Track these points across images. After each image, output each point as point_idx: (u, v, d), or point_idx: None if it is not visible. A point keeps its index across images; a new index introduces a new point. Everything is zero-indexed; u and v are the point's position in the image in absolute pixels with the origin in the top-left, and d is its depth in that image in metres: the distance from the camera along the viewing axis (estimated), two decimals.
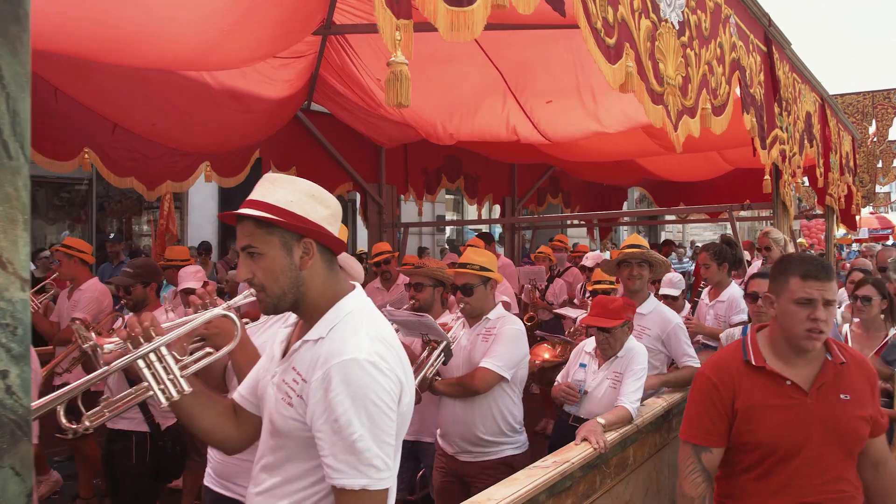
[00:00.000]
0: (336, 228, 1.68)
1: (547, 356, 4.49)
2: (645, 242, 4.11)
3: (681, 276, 5.29)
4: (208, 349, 1.70)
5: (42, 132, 4.69)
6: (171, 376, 1.61)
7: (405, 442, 3.69)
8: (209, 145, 5.53)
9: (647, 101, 2.75)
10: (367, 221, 7.48)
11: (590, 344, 3.57)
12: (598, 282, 5.09)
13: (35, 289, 4.81)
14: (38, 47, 3.66)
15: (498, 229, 12.65)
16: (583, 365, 3.51)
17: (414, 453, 3.68)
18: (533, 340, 5.39)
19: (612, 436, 2.91)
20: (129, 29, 3.18)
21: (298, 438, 1.55)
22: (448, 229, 16.95)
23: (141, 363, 1.61)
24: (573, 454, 2.65)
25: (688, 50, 3.19)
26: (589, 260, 6.71)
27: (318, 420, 1.50)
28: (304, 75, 5.10)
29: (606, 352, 3.43)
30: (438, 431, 3.44)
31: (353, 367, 1.50)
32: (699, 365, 3.68)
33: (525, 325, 5.31)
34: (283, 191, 1.63)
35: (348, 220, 14.14)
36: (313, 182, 1.69)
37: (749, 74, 4.08)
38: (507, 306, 5.57)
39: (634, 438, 3.15)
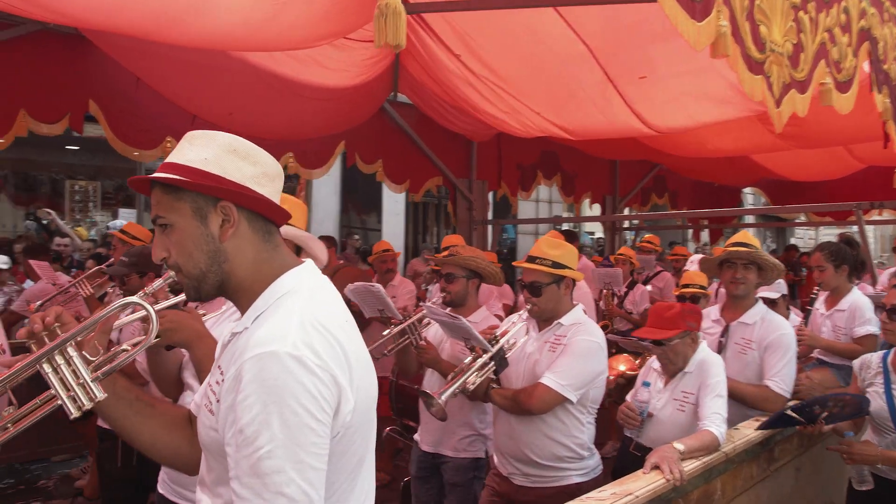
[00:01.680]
0: (271, 190, 1.38)
1: (624, 368, 4.01)
2: (755, 241, 3.54)
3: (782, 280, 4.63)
4: (125, 346, 1.41)
5: (125, 120, 4.71)
6: (82, 381, 1.33)
7: (425, 454, 3.48)
8: (290, 135, 5.43)
9: (743, 68, 2.31)
10: (457, 218, 7.20)
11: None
12: (688, 285, 4.56)
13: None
14: (90, 25, 3.63)
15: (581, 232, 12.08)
16: (646, 384, 3.05)
17: (436, 468, 3.32)
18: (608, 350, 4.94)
19: (692, 465, 2.47)
20: (177, 2, 3.04)
21: (221, 455, 1.24)
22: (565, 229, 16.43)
23: (46, 366, 1.34)
24: (638, 485, 2.24)
25: (801, 13, 2.69)
26: (695, 264, 6.10)
27: (227, 432, 1.20)
28: (381, 62, 4.88)
29: (668, 368, 2.98)
30: (493, 447, 3.08)
31: (270, 361, 1.19)
32: (783, 392, 3.14)
33: (627, 339, 4.85)
34: (198, 148, 1.34)
35: (439, 217, 13.94)
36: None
37: (882, 48, 3.48)
38: None
39: (723, 469, 2.69)
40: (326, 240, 7.51)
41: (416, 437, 3.45)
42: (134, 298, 1.43)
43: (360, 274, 5.60)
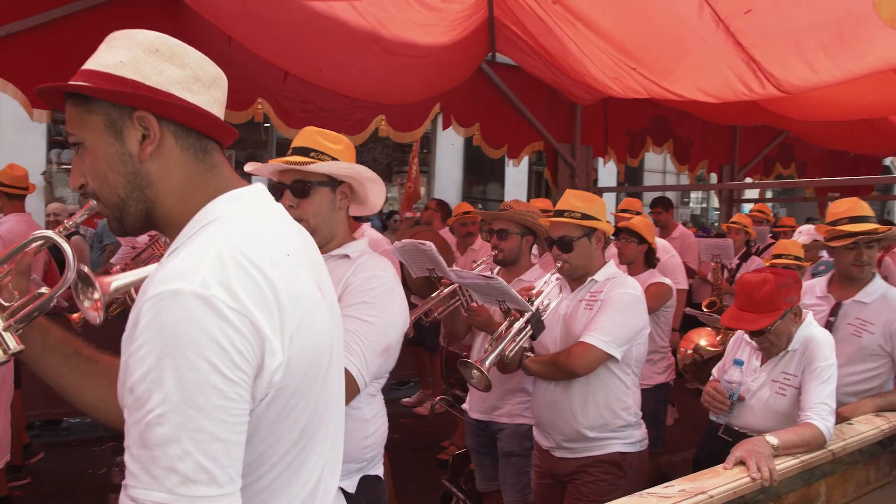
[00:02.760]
0: (207, 99, 1.13)
1: (705, 343, 3.58)
2: (869, 209, 3.06)
3: None
4: (43, 289, 1.23)
5: None
6: None
7: (478, 423, 3.23)
8: (382, 96, 5.31)
9: None
10: (558, 185, 6.88)
11: None
12: (780, 255, 4.03)
13: None
14: None
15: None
16: (738, 362, 2.67)
17: (492, 437, 3.08)
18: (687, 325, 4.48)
19: (786, 462, 2.13)
20: None
21: None
22: (693, 203, 15.44)
23: None
24: (716, 482, 1.93)
25: None
26: (803, 235, 5.46)
27: (121, 392, 0.97)
28: (473, 16, 4.63)
29: (770, 351, 2.60)
30: (533, 419, 2.83)
31: (170, 303, 0.94)
32: None
33: (704, 313, 4.43)
34: (114, 50, 1.10)
35: (541, 185, 13.52)
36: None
37: None
38: (682, 295, 4.64)
39: (829, 471, 2.32)
40: (442, 206, 7.41)
41: (464, 406, 3.25)
42: (46, 232, 1.22)
43: (435, 237, 5.41)
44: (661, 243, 4.94)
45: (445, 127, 6.12)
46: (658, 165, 16.53)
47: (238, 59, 4.65)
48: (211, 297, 0.94)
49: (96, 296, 1.36)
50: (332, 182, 2.03)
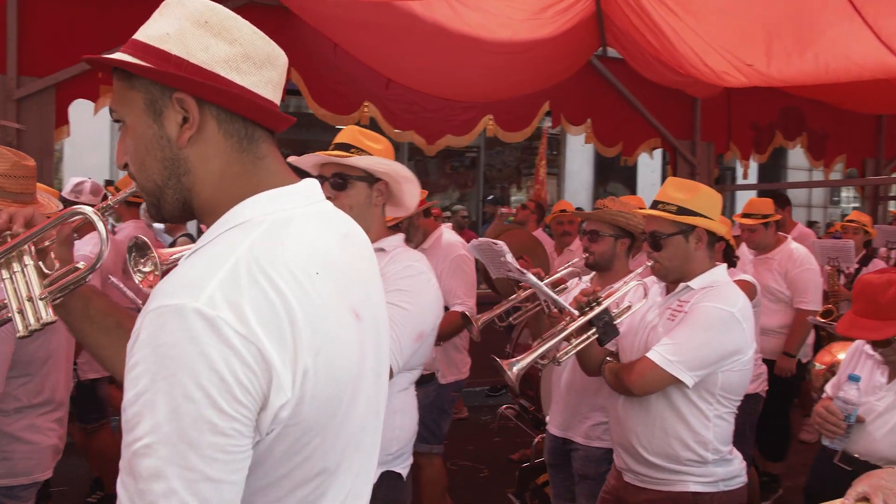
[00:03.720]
0: (258, 80, 1.03)
1: (843, 358, 3.22)
2: None
3: None
4: (79, 264, 1.20)
5: (325, 87, 4.85)
6: (32, 296, 1.15)
7: (555, 439, 3.04)
8: (487, 95, 5.25)
9: None
10: None
11: None
12: None
13: None
14: None
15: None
16: (854, 378, 2.33)
17: (567, 455, 2.89)
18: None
19: None
20: None
21: None
22: (843, 203, 14.30)
23: (3, 272, 1.17)
24: None
25: None
26: None
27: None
28: (575, 6, 4.48)
29: None
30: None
31: (172, 320, 0.85)
32: None
33: (819, 321, 4.01)
34: (163, 19, 1.02)
35: (636, 179, 12.85)
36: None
37: None
38: (802, 318, 4.16)
39: None
40: (538, 209, 7.25)
41: (547, 417, 3.11)
42: (85, 209, 1.22)
43: (525, 235, 5.26)
44: (799, 252, 4.53)
45: (555, 125, 5.97)
46: (802, 162, 15.42)
47: (344, 64, 4.75)
48: (216, 319, 0.85)
49: (148, 268, 1.38)
50: (370, 178, 2.07)
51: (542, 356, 2.22)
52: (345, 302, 1.02)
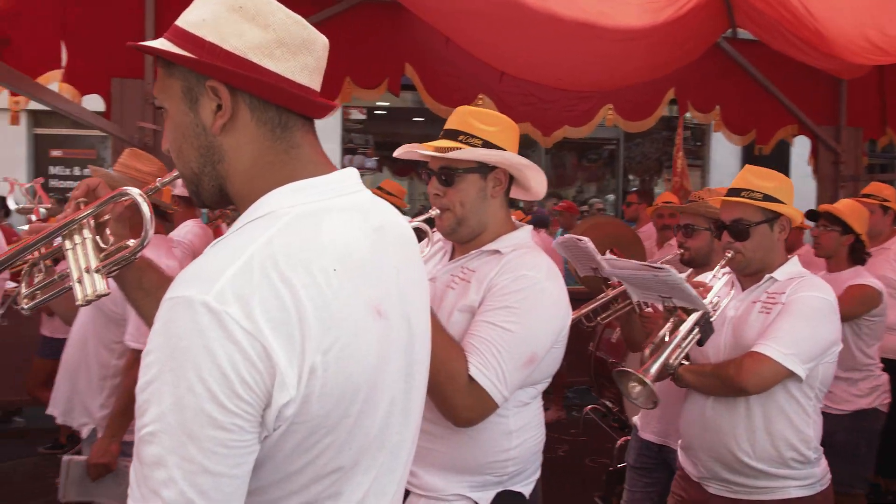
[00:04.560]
0: (293, 67, 1.02)
1: None
2: None
3: None
4: (129, 242, 1.26)
5: (439, 80, 4.90)
6: (89, 267, 1.22)
7: (649, 445, 2.83)
8: (606, 84, 5.09)
9: None
10: (818, 174, 6.05)
11: None
12: None
13: None
14: None
15: None
16: None
17: (663, 460, 2.71)
18: None
19: None
20: None
21: None
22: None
23: (67, 242, 1.26)
24: None
25: None
26: None
27: None
28: None
29: None
30: (679, 442, 2.43)
31: (183, 312, 0.86)
32: None
33: None
34: (202, 5, 1.02)
35: (789, 169, 11.91)
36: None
37: None
38: None
39: None
40: (643, 197, 6.93)
41: (635, 419, 2.93)
42: (133, 191, 1.29)
43: (617, 227, 5.03)
44: None
45: (682, 113, 5.70)
46: None
47: (457, 58, 4.77)
48: (223, 314, 0.85)
49: None
50: (483, 168, 1.83)
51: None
52: (365, 299, 1.00)
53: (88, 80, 4.06)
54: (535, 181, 1.92)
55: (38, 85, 2.62)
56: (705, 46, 5.13)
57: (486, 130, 1.85)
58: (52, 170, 11.79)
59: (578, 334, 2.46)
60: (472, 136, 1.84)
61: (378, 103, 11.68)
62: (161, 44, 1.02)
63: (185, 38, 1.01)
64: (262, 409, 0.88)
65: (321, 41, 1.06)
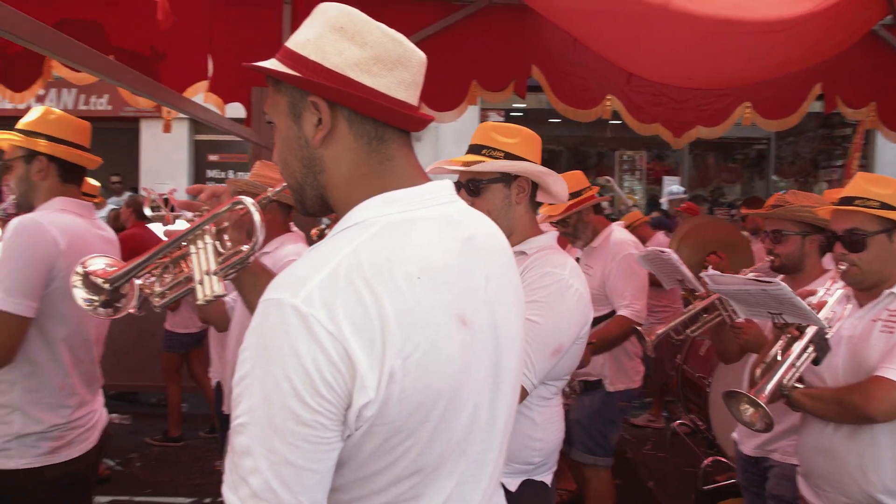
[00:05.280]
0: (390, 82, 1.06)
1: None
2: None
3: None
4: (243, 248, 1.38)
5: (566, 81, 4.83)
6: (209, 270, 1.33)
7: (748, 460, 2.62)
8: (742, 80, 4.82)
9: None
10: None
11: None
12: None
13: None
14: None
15: None
16: None
17: (763, 473, 2.55)
18: None
19: None
20: None
21: None
22: None
23: (191, 247, 1.37)
24: None
25: None
26: None
27: None
28: None
29: None
30: (799, 469, 2.22)
31: (273, 312, 0.93)
32: None
33: None
34: (306, 26, 1.10)
35: None
36: None
37: None
38: None
39: None
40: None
41: (733, 435, 2.76)
42: (243, 199, 1.42)
43: (727, 231, 4.67)
44: None
45: (829, 110, 5.28)
46: None
47: (585, 59, 4.68)
48: (309, 317, 0.91)
49: None
50: (506, 177, 2.00)
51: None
52: (450, 308, 1.03)
53: (231, 89, 4.35)
54: (557, 186, 2.05)
55: (179, 96, 2.84)
56: (859, 36, 4.74)
57: (507, 143, 2.03)
58: (210, 173, 12.89)
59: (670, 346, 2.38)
60: (495, 150, 2.02)
61: (514, 105, 11.82)
62: (271, 63, 1.10)
63: (291, 57, 1.08)
64: (344, 408, 0.93)
65: (417, 57, 1.11)
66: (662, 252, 2.33)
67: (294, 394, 0.90)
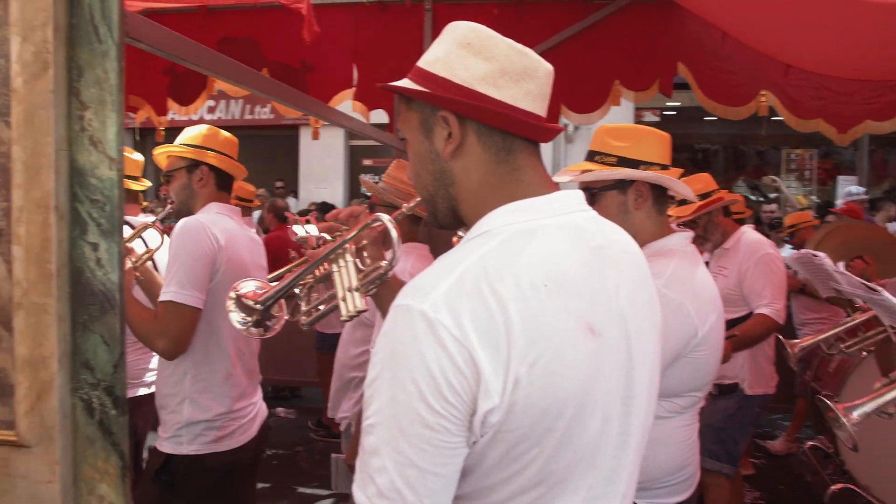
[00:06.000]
0: (516, 93, 1.07)
1: None
2: None
3: None
4: (382, 263, 1.41)
5: (715, 77, 4.59)
6: (350, 287, 1.38)
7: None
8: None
9: None
10: None
11: None
12: None
13: None
14: None
15: None
16: None
17: None
18: None
19: None
20: None
21: None
22: None
23: (334, 266, 1.43)
24: None
25: None
26: None
27: None
28: None
29: None
30: None
31: (401, 317, 0.96)
32: None
33: None
34: (436, 45, 1.14)
35: None
36: None
37: None
38: None
39: None
40: None
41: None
42: (381, 216, 1.47)
43: (875, 234, 4.16)
44: None
45: None
46: None
47: (735, 53, 4.42)
48: (435, 322, 0.93)
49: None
50: (621, 183, 1.91)
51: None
52: (577, 316, 1.01)
53: (375, 96, 4.49)
54: (677, 188, 1.95)
55: (323, 105, 3.00)
56: None
57: (619, 146, 1.94)
58: (364, 177, 13.48)
59: None
60: (607, 155, 1.94)
61: (667, 104, 11.43)
62: (404, 83, 1.15)
63: (422, 75, 1.13)
64: (469, 414, 0.94)
65: (543, 69, 1.12)
66: (815, 255, 2.13)
67: (420, 397, 0.92)
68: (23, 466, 1.14)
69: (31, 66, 1.08)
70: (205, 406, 2.30)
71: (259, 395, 2.60)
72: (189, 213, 2.49)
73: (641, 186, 1.92)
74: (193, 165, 2.51)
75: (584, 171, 1.93)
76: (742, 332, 3.28)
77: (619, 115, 4.62)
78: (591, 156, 1.97)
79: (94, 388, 1.15)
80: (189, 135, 2.58)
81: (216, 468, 2.34)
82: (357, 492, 0.97)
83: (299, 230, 1.78)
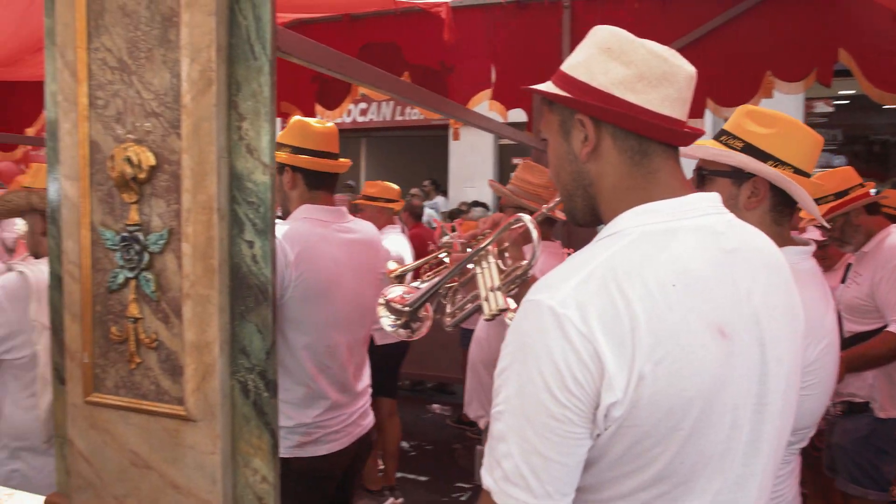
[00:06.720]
0: (654, 98, 1.08)
1: None
2: None
3: None
4: (522, 262, 1.48)
5: (883, 64, 4.23)
6: (493, 288, 1.44)
7: None
8: None
9: None
10: None
11: None
12: None
13: None
14: None
15: None
16: None
17: None
18: None
19: None
20: None
21: None
22: None
23: (477, 268, 1.50)
24: None
25: None
26: None
27: None
28: None
29: None
30: None
31: (531, 311, 1.00)
32: None
33: None
34: (580, 49, 1.16)
35: None
36: None
37: None
38: None
39: None
40: None
41: None
42: (522, 216, 1.52)
43: None
44: None
45: None
46: None
47: None
48: (563, 317, 0.96)
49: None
50: (738, 174, 1.63)
51: None
52: (707, 317, 1.01)
53: (513, 96, 4.52)
54: (799, 197, 1.63)
55: (460, 107, 3.06)
56: None
57: (754, 132, 1.64)
58: (492, 180, 13.63)
59: None
60: (735, 138, 1.66)
61: (840, 92, 10.68)
62: (546, 86, 1.18)
63: (563, 79, 1.16)
64: (593, 407, 0.97)
65: (684, 73, 1.11)
66: None
67: (545, 388, 0.96)
68: (190, 438, 1.29)
69: (198, 84, 1.22)
70: (287, 414, 2.28)
71: (358, 406, 2.51)
72: (288, 214, 2.43)
73: (760, 184, 1.64)
74: (280, 167, 2.38)
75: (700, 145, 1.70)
76: (862, 352, 2.94)
77: (786, 106, 4.34)
78: (720, 134, 1.71)
79: (249, 371, 1.28)
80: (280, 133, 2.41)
81: (304, 473, 2.31)
82: (485, 475, 1.02)
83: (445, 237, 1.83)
